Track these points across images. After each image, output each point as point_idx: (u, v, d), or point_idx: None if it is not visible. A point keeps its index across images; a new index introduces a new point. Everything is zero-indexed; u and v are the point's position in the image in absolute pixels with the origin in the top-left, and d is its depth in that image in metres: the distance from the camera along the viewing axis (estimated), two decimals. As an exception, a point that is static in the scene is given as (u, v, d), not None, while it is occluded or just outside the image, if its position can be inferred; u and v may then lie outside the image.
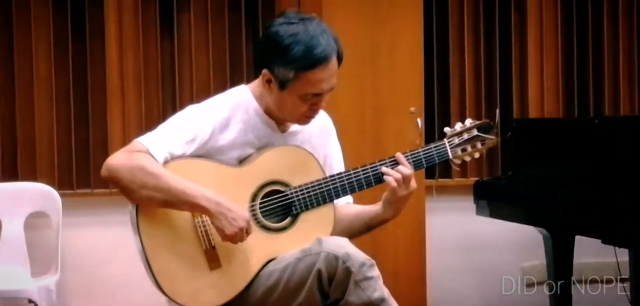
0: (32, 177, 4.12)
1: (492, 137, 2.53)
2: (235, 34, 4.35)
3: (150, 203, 2.28)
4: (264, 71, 2.37)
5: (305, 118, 2.44)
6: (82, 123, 4.21)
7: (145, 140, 2.33)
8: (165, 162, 2.31)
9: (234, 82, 2.56)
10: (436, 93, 4.60)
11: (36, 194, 4.04)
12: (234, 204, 2.29)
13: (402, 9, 4.10)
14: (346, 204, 2.62)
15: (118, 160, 2.29)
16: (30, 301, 3.76)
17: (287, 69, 2.31)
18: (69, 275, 4.13)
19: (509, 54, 4.73)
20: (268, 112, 2.44)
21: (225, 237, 2.28)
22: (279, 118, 2.46)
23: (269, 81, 2.37)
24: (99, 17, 4.20)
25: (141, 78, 4.24)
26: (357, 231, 2.55)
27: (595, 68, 4.83)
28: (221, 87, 2.54)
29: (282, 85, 2.34)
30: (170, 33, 4.29)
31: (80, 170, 4.21)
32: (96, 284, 4.26)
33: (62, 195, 4.03)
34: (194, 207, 2.29)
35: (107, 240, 4.22)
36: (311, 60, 2.30)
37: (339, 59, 2.38)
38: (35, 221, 4.07)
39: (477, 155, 2.54)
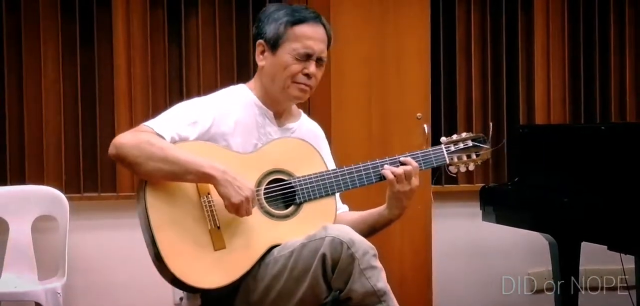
0: (40, 180, 4.13)
1: (487, 146, 2.64)
2: (242, 38, 4.35)
3: (158, 175, 2.32)
4: (258, 42, 2.52)
5: (298, 87, 2.50)
6: (89, 127, 4.22)
7: (151, 123, 2.41)
8: (173, 142, 2.38)
9: (241, 86, 2.60)
10: (443, 99, 4.60)
11: (44, 197, 4.05)
12: (240, 175, 2.33)
13: (409, 15, 4.10)
14: (348, 211, 2.66)
15: (125, 138, 2.37)
16: (37, 304, 3.76)
17: (277, 25, 2.47)
18: (76, 279, 4.14)
19: (515, 60, 4.72)
20: (265, 102, 2.54)
21: (231, 205, 2.30)
22: (276, 110, 2.55)
23: (263, 52, 2.51)
24: (107, 21, 4.21)
25: (149, 82, 4.25)
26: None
27: (602, 74, 4.83)
28: (228, 91, 2.59)
29: (274, 45, 2.48)
30: (178, 37, 4.30)
31: (87, 174, 4.22)
32: (103, 287, 4.27)
33: (69, 199, 4.04)
34: (201, 176, 2.32)
35: (114, 243, 4.23)
36: (297, 16, 2.48)
37: (328, 37, 2.53)
38: (42, 224, 4.08)
39: (471, 166, 2.64)
